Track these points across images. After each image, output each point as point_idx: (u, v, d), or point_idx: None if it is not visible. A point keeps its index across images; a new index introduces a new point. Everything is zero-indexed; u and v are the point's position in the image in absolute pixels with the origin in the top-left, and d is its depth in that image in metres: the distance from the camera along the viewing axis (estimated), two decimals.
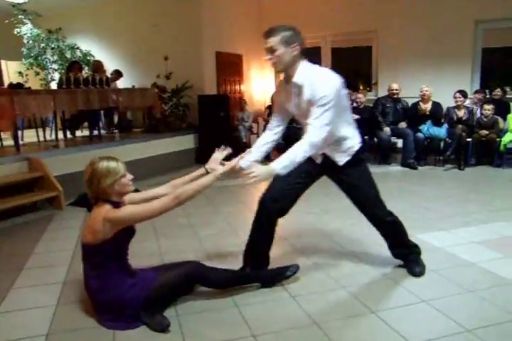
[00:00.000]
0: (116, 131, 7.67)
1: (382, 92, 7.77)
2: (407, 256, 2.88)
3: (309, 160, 2.53)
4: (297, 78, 2.46)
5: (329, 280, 2.77)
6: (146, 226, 3.97)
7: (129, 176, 2.36)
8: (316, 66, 2.53)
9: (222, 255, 3.26)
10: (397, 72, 8.04)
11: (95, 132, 6.66)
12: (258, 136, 7.84)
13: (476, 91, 7.32)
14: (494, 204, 4.60)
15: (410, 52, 8.06)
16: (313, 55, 8.27)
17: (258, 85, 9.33)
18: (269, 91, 8.92)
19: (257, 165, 2.41)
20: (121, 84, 7.97)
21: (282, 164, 2.35)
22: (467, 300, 2.49)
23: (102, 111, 7.18)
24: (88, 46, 9.04)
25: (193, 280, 2.50)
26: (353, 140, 2.61)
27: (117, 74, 7.91)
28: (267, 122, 7.87)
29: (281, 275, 2.71)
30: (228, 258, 3.15)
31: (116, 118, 7.86)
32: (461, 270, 2.91)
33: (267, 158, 2.77)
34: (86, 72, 8.15)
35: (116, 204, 2.33)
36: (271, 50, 2.42)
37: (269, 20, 8.80)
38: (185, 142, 7.31)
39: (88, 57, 8.94)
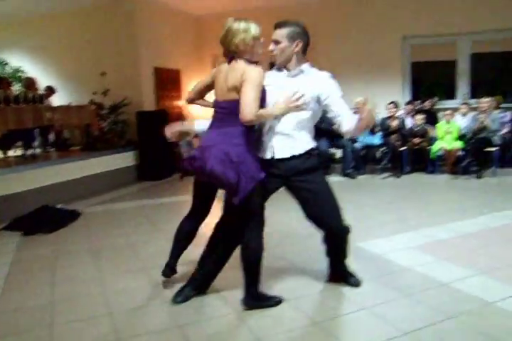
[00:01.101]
0: (53, 149, 7.41)
1: None
2: (346, 269, 2.89)
3: (267, 170, 2.51)
4: (296, 71, 2.52)
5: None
6: (80, 249, 3.86)
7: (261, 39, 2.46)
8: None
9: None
10: None
11: (29, 151, 6.41)
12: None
13: (408, 103, 7.68)
14: (428, 209, 4.82)
15: (343, 65, 8.33)
16: None
17: None
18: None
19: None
20: (56, 101, 7.72)
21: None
22: (404, 305, 2.58)
23: (36, 130, 6.92)
24: (19, 62, 8.73)
25: None
26: (312, 144, 2.66)
27: (50, 90, 7.63)
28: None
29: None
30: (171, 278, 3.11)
31: (52, 137, 7.60)
32: (398, 275, 3.02)
33: None
34: (18, 89, 7.88)
35: (250, 63, 2.41)
36: (275, 42, 2.48)
37: (207, 36, 8.90)
38: (125, 159, 7.17)
39: (19, 74, 8.63)
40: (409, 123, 7.24)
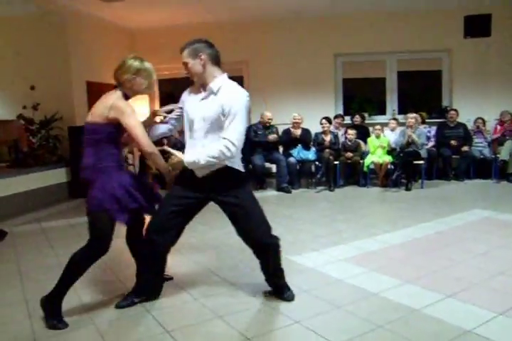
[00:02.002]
0: None
1: (255, 119, 8.09)
2: (279, 282, 2.91)
3: (191, 184, 2.64)
4: (214, 84, 2.58)
5: (205, 311, 2.77)
6: (6, 271, 3.67)
7: (153, 79, 2.75)
8: (235, 83, 2.66)
9: (96, 292, 3.11)
10: (267, 100, 8.43)
11: None
12: (134, 167, 7.76)
13: (336, 117, 7.94)
14: (361, 222, 4.98)
15: (279, 82, 8.55)
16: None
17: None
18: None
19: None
20: None
21: (192, 158, 2.52)
22: (335, 316, 2.65)
23: None
24: None
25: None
26: (238, 160, 2.70)
27: None
28: (142, 153, 7.77)
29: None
30: (103, 296, 3.02)
31: None
32: (330, 287, 3.09)
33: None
34: None
35: (127, 97, 2.66)
36: (185, 65, 2.60)
37: (141, 50, 8.77)
38: (57, 176, 6.90)
39: None
40: (339, 137, 7.49)
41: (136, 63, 2.66)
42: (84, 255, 2.61)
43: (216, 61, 2.64)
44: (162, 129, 2.87)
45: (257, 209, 2.72)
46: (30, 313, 2.82)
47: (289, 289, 2.91)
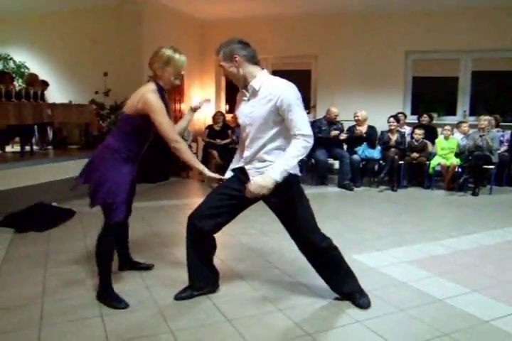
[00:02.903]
0: (50, 147, 7.38)
1: (320, 115, 8.01)
2: (349, 290, 2.76)
3: (240, 180, 2.60)
4: (254, 83, 2.52)
5: (266, 303, 2.77)
6: (73, 248, 3.84)
7: (183, 71, 2.76)
8: (277, 77, 2.58)
9: (160, 277, 3.19)
10: (334, 95, 8.34)
11: (27, 148, 6.37)
12: (197, 156, 7.89)
13: (393, 116, 7.55)
14: (424, 224, 4.82)
15: (347, 78, 8.41)
16: None
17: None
18: (210, 111, 8.97)
19: (254, 181, 2.47)
20: (57, 98, 7.69)
21: (279, 170, 2.40)
22: (398, 319, 2.57)
23: (35, 126, 6.89)
24: (23, 58, 8.72)
25: None
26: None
27: (43, 84, 7.58)
28: (206, 142, 7.91)
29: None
30: (166, 281, 3.09)
31: (50, 134, 7.57)
32: (393, 289, 3.00)
33: None
34: (20, 84, 7.85)
35: (161, 90, 2.68)
36: (222, 67, 2.58)
37: (212, 41, 8.86)
38: None
39: (22, 70, 8.61)
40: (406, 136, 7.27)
41: (168, 52, 2.67)
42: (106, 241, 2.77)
43: (253, 61, 2.55)
44: None
45: (304, 213, 2.61)
46: (95, 288, 2.93)
47: (362, 295, 2.76)
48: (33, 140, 6.93)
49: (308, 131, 2.44)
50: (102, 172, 2.65)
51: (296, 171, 2.60)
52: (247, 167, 2.62)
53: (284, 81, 2.53)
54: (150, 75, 2.77)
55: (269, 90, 2.47)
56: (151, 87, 2.66)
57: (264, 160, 2.55)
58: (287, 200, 2.58)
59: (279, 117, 2.47)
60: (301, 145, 2.41)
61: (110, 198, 2.62)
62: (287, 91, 2.45)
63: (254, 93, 2.53)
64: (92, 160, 2.75)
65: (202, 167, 2.68)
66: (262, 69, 2.59)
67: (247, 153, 2.60)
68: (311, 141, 2.44)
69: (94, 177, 2.68)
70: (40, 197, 5.18)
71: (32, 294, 2.87)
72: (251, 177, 2.58)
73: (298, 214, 2.61)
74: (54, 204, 5.24)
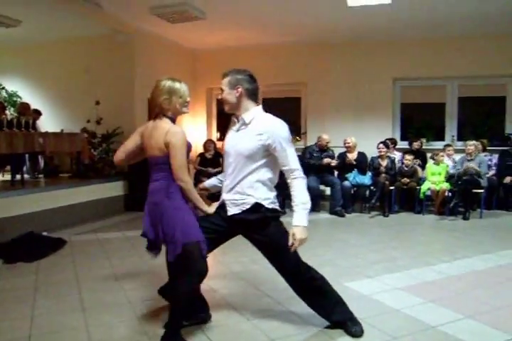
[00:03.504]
0: (42, 176, 7.36)
1: (310, 142, 8.09)
2: (341, 318, 2.74)
3: (224, 215, 2.62)
4: (246, 115, 2.57)
5: (259, 334, 2.73)
6: (63, 280, 3.79)
7: (188, 98, 2.69)
8: (269, 114, 2.63)
9: (150, 307, 3.15)
10: (324, 122, 8.45)
11: (18, 176, 6.35)
12: None
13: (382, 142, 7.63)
14: (416, 249, 4.82)
15: (336, 104, 8.55)
16: None
17: (190, 132, 9.40)
18: (201, 138, 9.03)
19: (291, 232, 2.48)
20: (48, 127, 7.71)
21: (303, 217, 2.48)
22: None
23: (26, 155, 6.89)
24: (15, 87, 8.79)
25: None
26: (269, 191, 2.60)
27: (36, 113, 7.63)
28: (197, 170, 7.93)
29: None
30: (155, 311, 3.04)
31: (42, 163, 7.57)
32: (386, 317, 2.98)
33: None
34: (12, 113, 7.89)
35: (173, 120, 2.63)
36: (221, 90, 2.61)
37: (202, 70, 9.06)
38: (115, 189, 7.12)
39: (14, 98, 8.67)
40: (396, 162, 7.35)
41: (168, 83, 2.63)
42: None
43: (253, 97, 2.61)
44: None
45: (286, 247, 2.53)
46: (86, 322, 2.88)
47: (355, 323, 2.73)
48: (24, 168, 6.92)
49: (299, 166, 2.55)
50: (168, 218, 2.56)
51: (276, 206, 2.62)
52: (225, 198, 2.63)
53: (276, 119, 2.58)
54: (157, 112, 2.64)
55: (261, 126, 2.52)
56: (167, 121, 2.60)
57: (244, 193, 2.56)
58: (268, 236, 2.58)
59: (266, 152, 2.52)
60: (301, 179, 2.54)
61: (187, 238, 2.50)
62: (279, 130, 2.52)
63: (244, 125, 2.57)
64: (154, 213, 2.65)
65: (206, 208, 2.65)
66: (257, 105, 2.64)
67: (227, 182, 2.63)
68: (303, 176, 2.56)
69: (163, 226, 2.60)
70: (31, 227, 5.14)
71: (18, 328, 2.81)
72: (227, 209, 2.61)
73: (280, 249, 2.58)
74: (44, 233, 5.19)
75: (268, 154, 2.52)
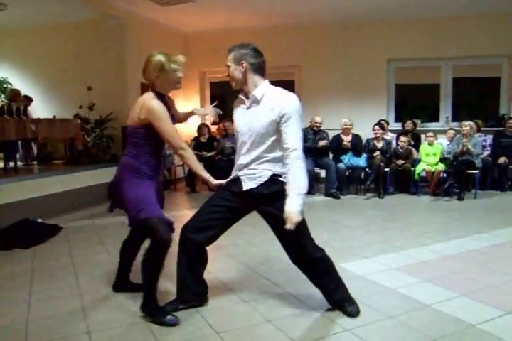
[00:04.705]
0: (35, 163, 7.32)
1: (305, 124, 8.05)
2: (341, 297, 2.75)
3: (238, 191, 2.59)
4: (256, 92, 2.53)
5: (255, 315, 2.75)
6: (59, 265, 3.79)
7: (180, 74, 2.65)
8: (278, 87, 2.60)
9: None
10: (318, 105, 8.39)
11: (11, 164, 6.31)
12: (184, 168, 7.87)
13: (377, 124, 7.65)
14: (411, 230, 4.85)
15: (330, 87, 8.50)
16: None
17: None
18: (195, 123, 8.96)
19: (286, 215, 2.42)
20: (40, 114, 7.65)
21: (296, 203, 2.42)
22: (387, 326, 2.57)
23: (19, 142, 6.84)
24: (5, 73, 8.67)
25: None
26: (284, 167, 2.54)
27: (27, 99, 7.54)
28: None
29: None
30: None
31: (35, 150, 7.52)
32: (381, 296, 3.01)
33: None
34: (2, 100, 7.81)
35: (161, 96, 2.62)
36: (227, 67, 2.57)
37: (195, 53, 8.94)
38: (109, 174, 6.90)
39: (5, 85, 8.57)
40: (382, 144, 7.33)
41: (159, 57, 2.60)
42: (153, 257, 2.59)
43: (260, 71, 2.57)
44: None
45: (300, 223, 2.52)
46: (84, 306, 2.89)
47: (351, 303, 2.75)
48: (17, 156, 6.87)
49: (300, 146, 2.48)
50: (123, 193, 2.62)
51: None
52: (239, 173, 2.61)
53: (289, 93, 2.56)
54: (143, 82, 2.73)
55: (273, 100, 2.49)
56: (150, 94, 2.61)
57: (259, 168, 2.55)
58: (282, 208, 2.50)
59: (279, 127, 2.48)
60: (298, 161, 2.45)
61: (142, 215, 2.54)
62: (291, 105, 2.48)
63: (256, 102, 2.53)
64: (113, 183, 2.73)
65: (207, 175, 2.66)
66: (265, 79, 2.60)
67: (242, 161, 2.59)
68: (302, 158, 2.49)
69: (120, 200, 2.69)
70: (25, 214, 5.12)
71: (16, 314, 2.82)
72: (243, 184, 2.58)
73: (299, 225, 2.53)
74: (39, 220, 5.18)
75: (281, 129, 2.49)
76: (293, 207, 2.42)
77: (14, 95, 7.19)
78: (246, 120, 2.56)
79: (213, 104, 3.12)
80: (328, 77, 8.49)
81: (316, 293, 2.83)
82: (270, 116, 2.46)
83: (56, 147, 7.92)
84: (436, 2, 7.11)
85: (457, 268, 3.58)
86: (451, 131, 7.40)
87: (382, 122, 7.63)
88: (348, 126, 7.29)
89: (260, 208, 2.63)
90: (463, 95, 8.57)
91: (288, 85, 8.84)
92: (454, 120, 8.22)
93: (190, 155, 2.61)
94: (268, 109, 2.47)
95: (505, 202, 6.51)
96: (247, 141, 2.55)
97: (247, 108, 2.58)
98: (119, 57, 7.57)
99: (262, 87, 2.54)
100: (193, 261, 2.73)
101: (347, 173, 7.18)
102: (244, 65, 2.51)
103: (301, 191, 2.45)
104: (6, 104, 6.44)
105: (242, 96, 2.63)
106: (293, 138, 2.46)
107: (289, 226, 2.41)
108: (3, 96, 8.21)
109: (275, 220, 2.57)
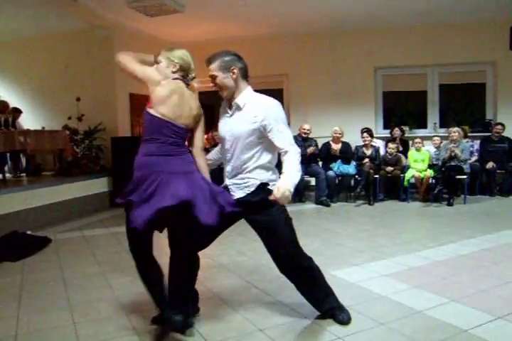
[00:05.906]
0: (24, 174, 7.27)
1: (294, 132, 8.08)
2: (329, 306, 2.74)
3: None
4: (239, 99, 2.51)
5: (247, 324, 2.74)
6: (48, 278, 3.76)
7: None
8: (261, 94, 2.59)
9: (137, 303, 3.13)
10: (307, 113, 8.45)
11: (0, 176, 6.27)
12: None
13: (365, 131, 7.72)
14: (401, 237, 4.87)
15: (318, 95, 8.56)
16: None
17: None
18: None
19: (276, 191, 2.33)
20: (29, 125, 7.60)
21: (291, 180, 2.37)
22: (379, 333, 2.58)
23: (7, 154, 6.79)
24: None
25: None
26: (272, 174, 2.57)
27: (16, 112, 7.51)
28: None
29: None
30: (143, 307, 3.03)
31: (23, 162, 7.47)
32: (372, 303, 3.01)
33: None
34: None
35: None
36: (212, 78, 2.50)
37: None
38: (99, 185, 7.06)
39: None
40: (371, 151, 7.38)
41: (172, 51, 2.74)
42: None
43: (246, 75, 2.56)
44: None
45: (288, 232, 2.56)
46: (73, 319, 2.87)
47: (342, 311, 2.75)
48: (6, 168, 6.82)
49: (293, 143, 2.49)
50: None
51: None
52: (228, 183, 2.61)
53: (270, 99, 2.54)
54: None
55: (255, 108, 2.48)
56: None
57: (246, 177, 2.54)
58: (270, 215, 2.52)
59: (262, 134, 2.48)
60: (295, 155, 2.45)
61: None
62: (274, 111, 2.48)
63: (238, 109, 2.53)
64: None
65: (151, 57, 2.86)
66: (248, 85, 2.59)
67: (228, 168, 2.60)
68: (297, 149, 2.49)
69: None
70: (15, 226, 5.08)
71: (4, 327, 2.78)
72: (231, 193, 2.57)
73: (282, 233, 2.56)
74: (28, 232, 5.13)
75: (264, 136, 2.48)
76: (286, 183, 2.34)
77: (2, 107, 7.16)
78: (228, 127, 2.56)
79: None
80: (316, 85, 8.55)
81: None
82: (253, 123, 2.46)
83: (45, 158, 7.88)
84: (422, 11, 7.21)
85: (447, 273, 3.60)
86: (437, 138, 7.46)
87: (365, 130, 7.67)
88: (337, 135, 7.33)
89: (249, 216, 2.61)
90: (449, 101, 8.67)
91: (277, 94, 8.88)
92: (441, 126, 8.30)
93: (126, 60, 2.61)
94: (251, 115, 2.47)
95: (494, 207, 6.56)
96: (230, 149, 2.55)
97: (230, 115, 2.58)
98: (108, 68, 7.55)
99: (245, 94, 2.54)
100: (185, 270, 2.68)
101: (337, 181, 7.20)
102: (235, 70, 2.49)
103: (297, 174, 2.42)
104: None
105: (225, 104, 2.63)
106: (283, 139, 2.47)
107: (272, 197, 2.34)
108: None
109: (262, 227, 2.57)
